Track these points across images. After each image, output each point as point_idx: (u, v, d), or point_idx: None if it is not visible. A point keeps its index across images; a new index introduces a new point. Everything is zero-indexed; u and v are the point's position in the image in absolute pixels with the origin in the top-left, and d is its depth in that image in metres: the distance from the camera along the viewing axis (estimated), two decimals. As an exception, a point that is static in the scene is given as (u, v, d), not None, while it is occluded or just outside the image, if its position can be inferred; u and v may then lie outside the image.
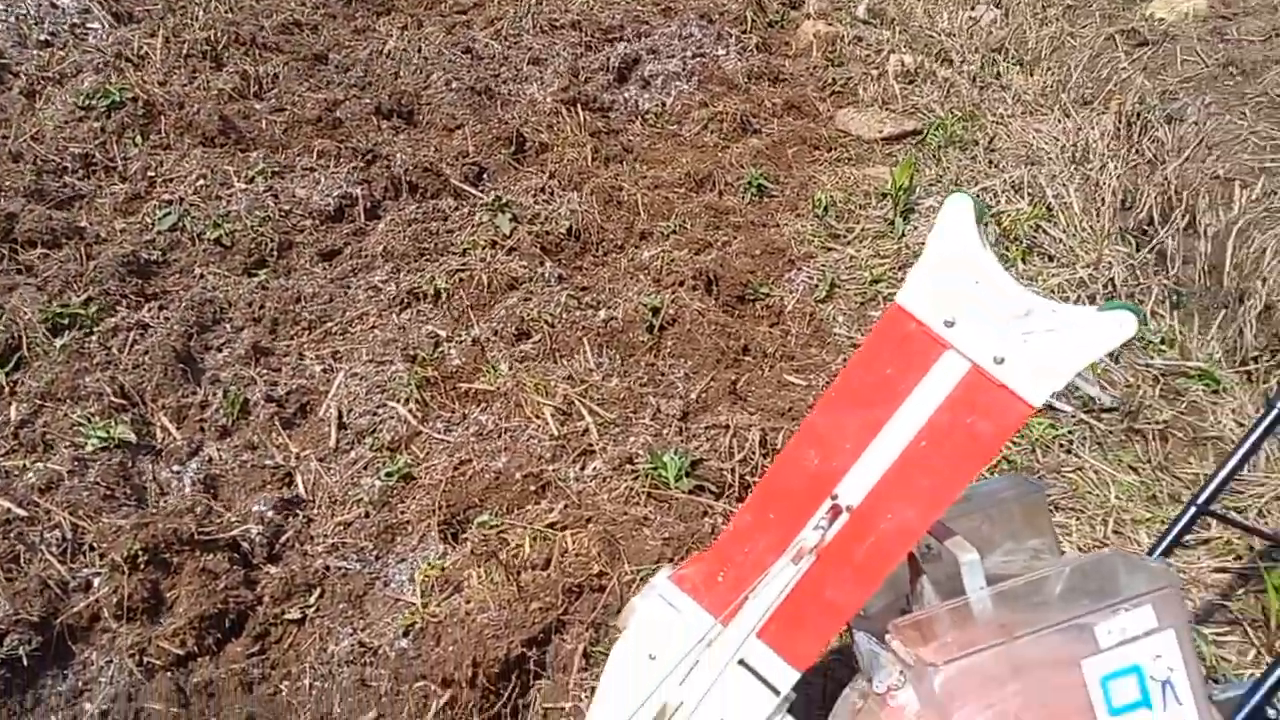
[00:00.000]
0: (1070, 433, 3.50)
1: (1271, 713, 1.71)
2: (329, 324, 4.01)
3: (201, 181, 4.74)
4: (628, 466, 3.30)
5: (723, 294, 4.40)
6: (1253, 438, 2.10)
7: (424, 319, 3.97)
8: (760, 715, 1.86)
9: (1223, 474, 2.09)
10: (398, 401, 3.50)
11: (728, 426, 3.57)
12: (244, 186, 4.80)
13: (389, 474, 3.21)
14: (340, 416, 3.48)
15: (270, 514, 3.01)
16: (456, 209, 4.77)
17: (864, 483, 1.79)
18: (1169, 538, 2.13)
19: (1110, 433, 3.53)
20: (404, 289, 4.13)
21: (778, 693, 1.86)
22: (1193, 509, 2.12)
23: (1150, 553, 2.13)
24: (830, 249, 4.87)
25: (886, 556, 1.80)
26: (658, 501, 3.20)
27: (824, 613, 1.84)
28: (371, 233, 4.64)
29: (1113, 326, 1.62)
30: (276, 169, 4.94)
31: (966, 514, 1.99)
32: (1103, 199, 5.11)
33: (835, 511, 1.81)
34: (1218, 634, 2.75)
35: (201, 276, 4.20)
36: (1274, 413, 2.09)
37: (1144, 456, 3.44)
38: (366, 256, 4.47)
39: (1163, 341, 4.22)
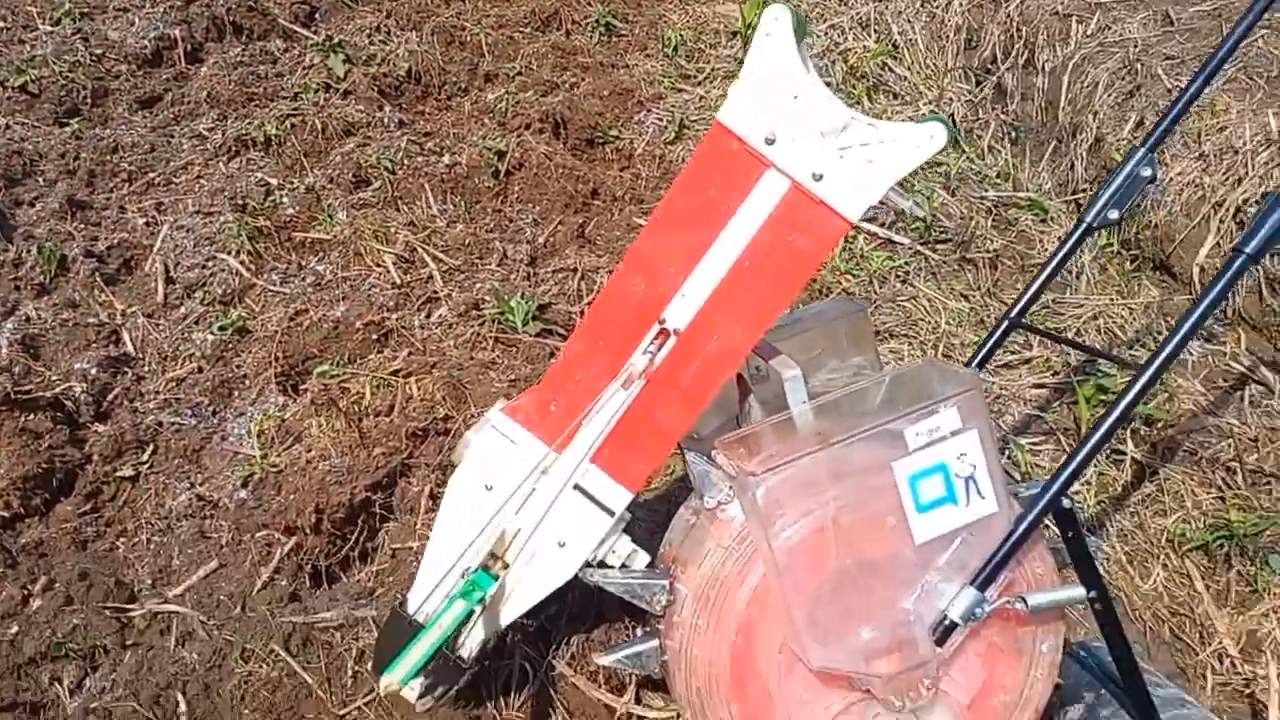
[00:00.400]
0: (907, 264, 3.60)
1: (1066, 503, 1.83)
2: (151, 175, 3.78)
3: (1, 24, 4.33)
4: (474, 312, 3.26)
5: (571, 137, 4.31)
6: (1061, 253, 2.19)
7: (254, 167, 3.77)
8: (596, 535, 1.91)
9: (1033, 288, 2.19)
10: (228, 253, 3.35)
11: (576, 269, 3.55)
12: (49, 29, 4.42)
13: (222, 328, 3.09)
14: (167, 271, 3.31)
15: (95, 372, 2.88)
16: (286, 51, 4.50)
17: (690, 306, 1.80)
18: (984, 350, 2.23)
19: (944, 263, 3.65)
20: (231, 137, 3.91)
21: (612, 513, 1.90)
22: (1005, 322, 2.22)
23: (968, 364, 2.22)
24: (680, 90, 4.81)
25: (713, 377, 1.83)
26: (505, 345, 3.18)
27: (654, 435, 1.87)
28: (194, 77, 4.35)
29: (923, 138, 1.64)
30: (85, 9, 4.56)
31: (793, 335, 2.03)
32: (947, 36, 5.14)
33: (663, 335, 1.82)
34: (1034, 444, 2.93)
35: (7, 127, 3.88)
36: (1081, 228, 2.18)
37: (974, 284, 3.58)
38: (189, 103, 4.20)
39: (998, 175, 4.35)
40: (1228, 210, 3.81)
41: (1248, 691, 2.29)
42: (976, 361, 2.22)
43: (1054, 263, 2.18)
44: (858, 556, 1.76)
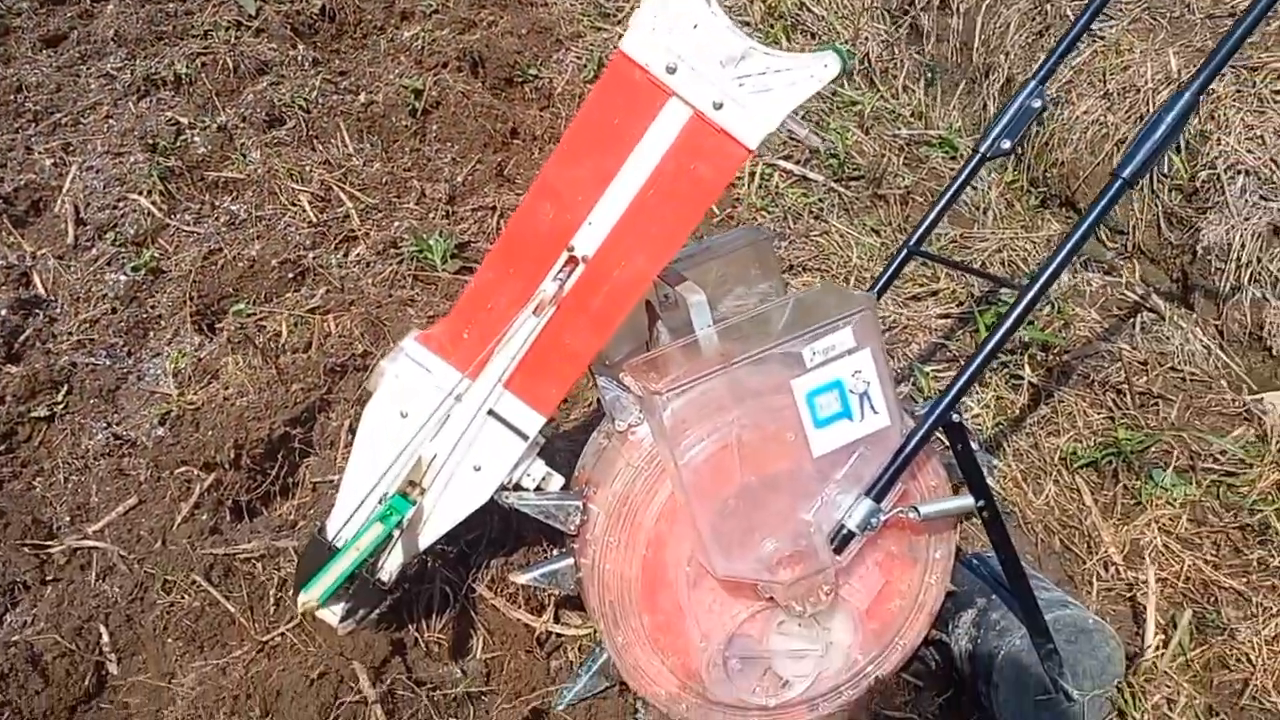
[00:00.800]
0: (821, 200, 3.68)
1: (956, 417, 1.93)
2: (58, 115, 3.68)
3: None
4: (392, 250, 3.27)
5: (489, 76, 4.29)
6: (958, 182, 2.27)
7: (164, 107, 3.70)
8: (510, 459, 1.97)
9: (930, 217, 2.27)
10: (140, 194, 3.30)
11: (495, 208, 3.57)
12: (-58, -36, 4.25)
13: (135, 268, 3.06)
14: (77, 212, 3.26)
15: (6, 314, 2.84)
16: (194, -13, 4.39)
17: (598, 233, 1.85)
18: (884, 278, 2.32)
19: (857, 199, 3.74)
20: (140, 76, 3.82)
21: (525, 437, 1.96)
22: (905, 251, 2.31)
23: (869, 290, 2.31)
24: (600, 28, 4.80)
25: (621, 303, 1.89)
26: (424, 284, 3.20)
27: (565, 359, 1.93)
28: (100, 15, 4.23)
29: (818, 68, 1.70)
30: (-22, -57, 4.39)
31: (700, 264, 2.10)
32: (863, -25, 5.19)
33: (572, 263, 1.87)
34: (937, 370, 3.05)
35: (-101, 66, 3.76)
36: (976, 158, 2.27)
37: (886, 220, 3.68)
38: (96, 41, 4.08)
39: (912, 114, 4.44)
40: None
41: (1129, 595, 2.44)
42: (876, 289, 2.31)
43: (950, 192, 2.27)
44: (760, 472, 1.84)
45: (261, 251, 3.10)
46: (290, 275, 3.09)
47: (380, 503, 1.98)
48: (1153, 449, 2.74)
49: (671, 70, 1.74)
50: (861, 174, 3.84)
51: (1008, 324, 1.89)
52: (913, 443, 1.87)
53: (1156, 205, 3.87)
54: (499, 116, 4.00)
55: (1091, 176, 4.07)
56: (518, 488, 2.00)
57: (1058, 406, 2.91)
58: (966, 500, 1.96)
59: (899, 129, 4.23)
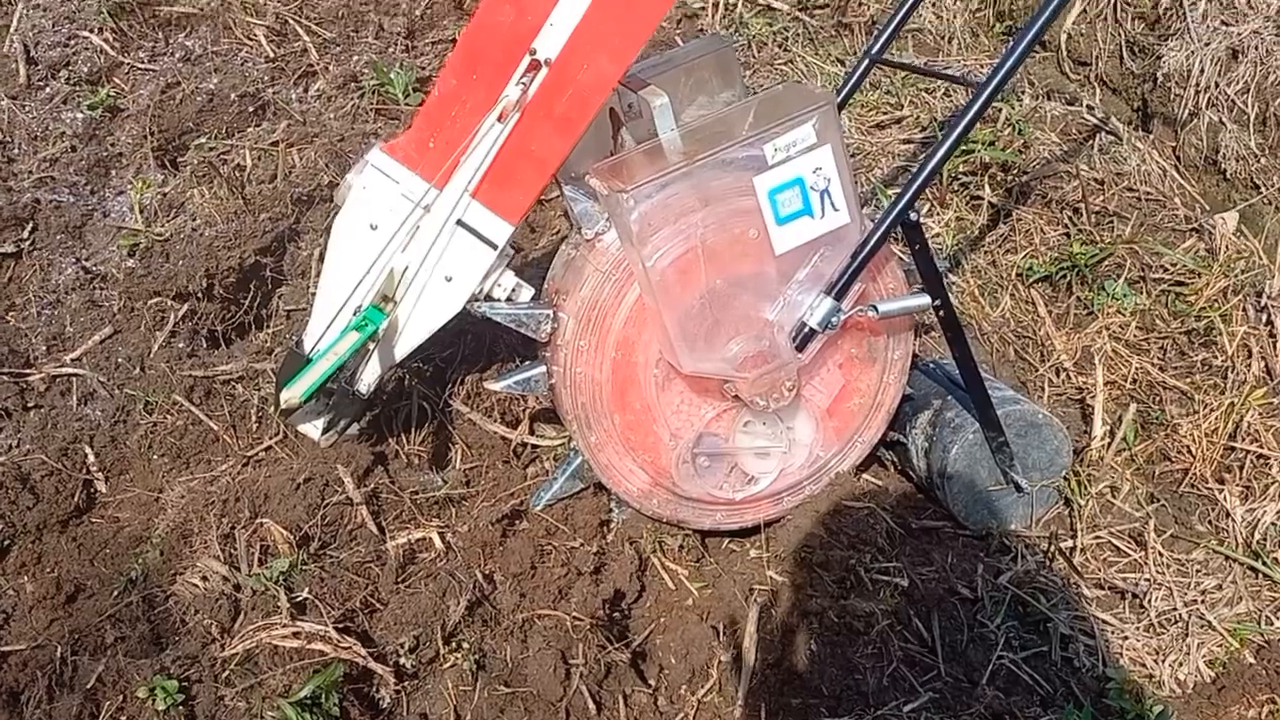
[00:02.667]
0: (785, 29, 3.65)
1: (914, 216, 1.98)
2: (-4, -48, 3.55)
3: None
4: (352, 84, 3.23)
5: (444, -93, 4.16)
6: (904, 8, 2.27)
7: (109, -59, 3.57)
8: (481, 268, 2.01)
9: (893, 24, 2.28)
10: (91, 31, 3.22)
11: (455, 41, 3.51)
12: None
13: (91, 106, 3.01)
14: (28, 51, 3.18)
15: (-39, 154, 2.81)
16: None
17: (560, 34, 1.85)
18: (846, 87, 2.33)
19: (821, 28, 3.71)
20: (80, -92, 3.68)
21: (495, 246, 1.99)
22: (866, 60, 2.32)
23: (846, 83, 2.33)
24: None
25: (585, 105, 1.90)
26: (386, 117, 3.18)
27: (532, 166, 1.95)
28: None
29: None
30: None
31: (662, 73, 2.10)
32: None
33: (535, 66, 1.88)
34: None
35: None
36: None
37: (850, 49, 3.65)
38: (29, -126, 3.90)
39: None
40: (1095, -25, 3.91)
41: (1079, 398, 2.55)
42: (840, 98, 2.33)
43: (909, 3, 2.27)
44: (725, 274, 1.90)
45: (220, 86, 3.06)
46: (250, 109, 3.06)
47: (355, 314, 2.02)
48: (1106, 262, 2.82)
49: None
50: (826, 3, 3.80)
51: (964, 121, 1.93)
52: (872, 241, 1.92)
53: (1119, 34, 3.87)
54: (457, -52, 3.89)
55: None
56: (489, 298, 2.05)
57: (1015, 225, 2.98)
58: (923, 299, 2.03)
59: (864, -43, 4.15)
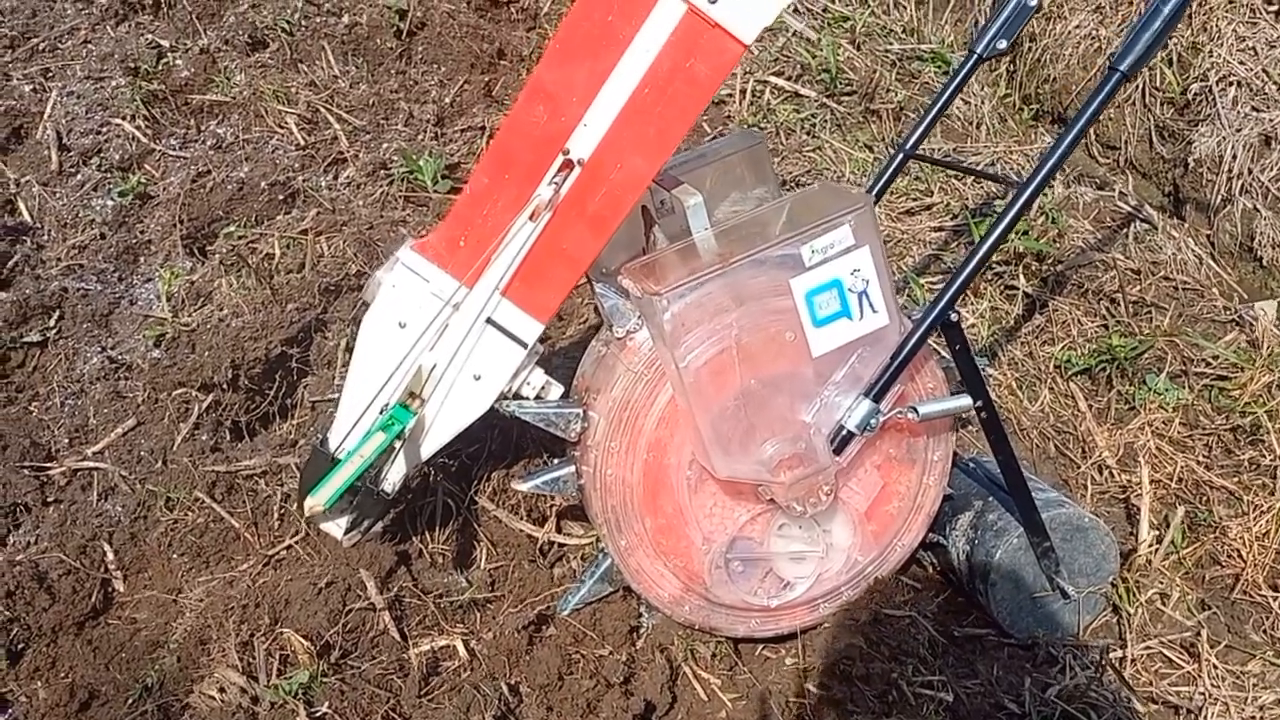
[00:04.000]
0: (813, 116, 3.65)
1: (954, 317, 1.94)
2: (35, 40, 3.60)
3: None
4: (382, 172, 3.24)
5: (473, -4, 4.22)
6: (954, 84, 2.25)
7: (144, 30, 3.62)
8: (510, 367, 1.97)
9: (927, 119, 2.26)
10: (123, 119, 3.25)
11: (484, 128, 3.53)
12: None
13: (122, 193, 3.02)
14: (60, 138, 3.21)
15: (-8, 241, 2.81)
16: (168, -92, 4.28)
17: (593, 135, 1.83)
18: (880, 181, 2.30)
19: (849, 115, 3.70)
20: (117, -1, 3.74)
21: (524, 345, 1.96)
22: (900, 154, 2.29)
23: (883, 174, 2.29)
24: (584, -52, 4.70)
25: (618, 205, 1.87)
26: (415, 205, 3.17)
27: (563, 264, 1.92)
28: (72, -62, 4.13)
29: (815, -42, 1.67)
30: None
31: (693, 170, 2.08)
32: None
33: (568, 166, 1.86)
34: (932, 283, 3.05)
35: None
36: (972, 59, 2.25)
37: (879, 135, 3.65)
38: (69, -35, 3.99)
39: (904, 30, 4.38)
40: (1121, 60, 3.90)
41: (1123, 497, 2.48)
42: (873, 192, 2.30)
43: (946, 93, 2.25)
44: (760, 374, 1.85)
45: (250, 174, 3.06)
46: (280, 197, 3.06)
47: (381, 413, 1.98)
48: (1146, 355, 2.76)
49: (665, -35, 1.71)
50: (854, 89, 3.80)
51: (1005, 221, 1.89)
52: (911, 342, 1.87)
53: (1148, 119, 3.86)
54: (485, 37, 3.94)
55: (1083, 92, 4.04)
56: (518, 396, 2.01)
57: (1052, 315, 2.92)
58: (964, 400, 1.98)
59: (890, 44, 4.17)
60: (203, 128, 3.33)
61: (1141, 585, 2.23)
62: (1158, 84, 3.82)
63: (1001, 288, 3.02)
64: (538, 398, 2.02)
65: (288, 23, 3.73)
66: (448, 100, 3.63)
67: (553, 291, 1.94)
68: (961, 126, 3.84)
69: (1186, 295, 3.07)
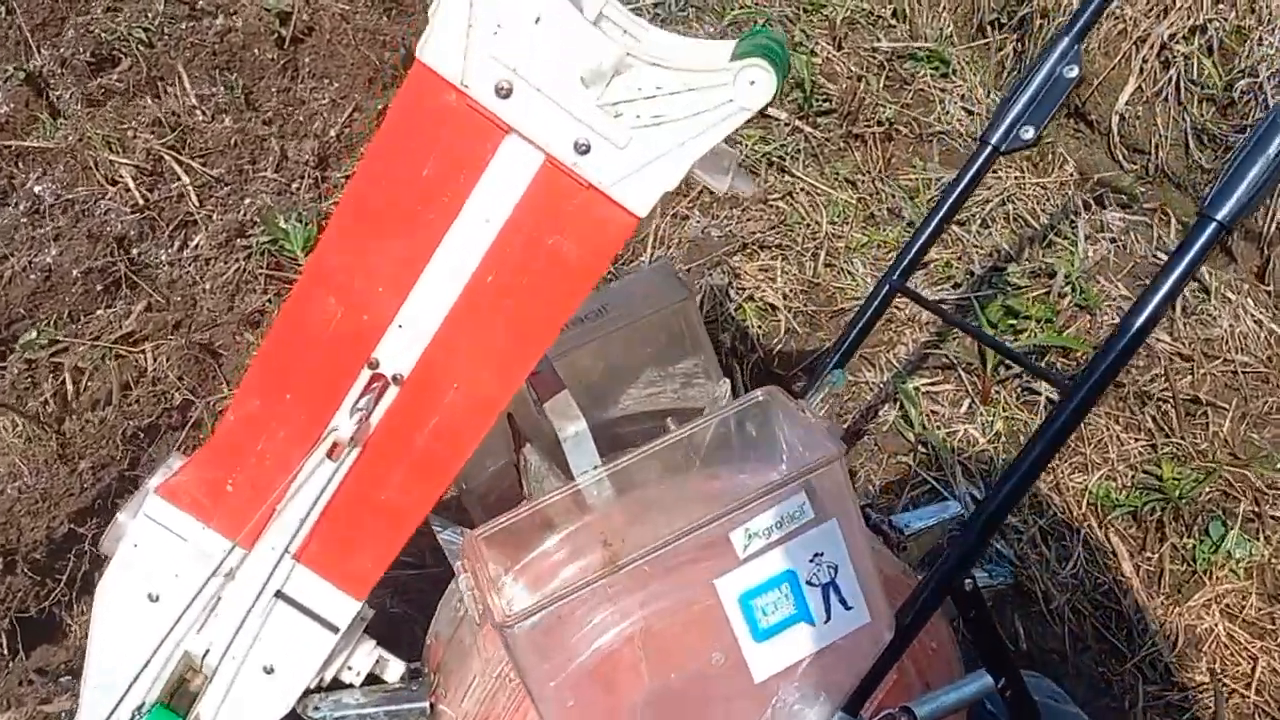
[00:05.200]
0: (783, 146, 2.97)
1: (968, 584, 1.33)
2: None
3: None
4: (239, 240, 2.58)
5: (377, -13, 3.51)
6: (957, 191, 1.60)
7: (-47, 50, 2.93)
8: (317, 657, 1.35)
9: (917, 245, 1.61)
10: (-88, 177, 2.58)
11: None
12: None
13: (-102, 285, 2.37)
14: None
15: None
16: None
17: (413, 341, 1.19)
18: (860, 322, 1.66)
19: (827, 141, 3.03)
20: (-72, 6, 3.04)
21: (335, 629, 1.33)
22: (886, 286, 1.65)
23: (840, 347, 1.65)
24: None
25: (459, 439, 1.24)
26: (280, 283, 2.51)
27: (382, 520, 1.29)
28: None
29: (742, 89, 1.01)
30: None
31: (594, 338, 1.44)
32: None
33: (380, 384, 1.21)
34: (930, 384, 2.41)
35: None
36: (986, 152, 1.59)
37: (863, 166, 2.98)
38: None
39: (894, 15, 3.67)
40: (1151, 47, 3.25)
41: (1188, 713, 1.87)
42: (851, 338, 1.65)
43: (946, 205, 1.60)
44: (671, 690, 1.23)
45: (59, 257, 2.40)
46: (100, 287, 2.40)
47: (136, 715, 1.36)
48: (1207, 490, 2.14)
49: (504, 93, 1.05)
50: (832, 106, 3.11)
51: (1047, 438, 1.26)
52: (900, 638, 1.25)
53: (1184, 119, 3.20)
54: (386, 42, 3.23)
55: (1106, 84, 3.37)
56: (336, 686, 1.39)
57: (1084, 431, 2.29)
58: (982, 681, 1.36)
59: (878, 38, 3.47)
60: (17, 184, 2.65)
61: None
62: (1195, 76, 3.16)
63: (1018, 391, 2.38)
64: (368, 683, 1.40)
65: (145, 30, 3.03)
66: (334, 132, 2.95)
67: (370, 557, 1.31)
68: (965, 147, 3.17)
69: (1249, 384, 2.45)
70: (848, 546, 1.17)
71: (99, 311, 2.37)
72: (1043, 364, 2.37)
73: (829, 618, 1.19)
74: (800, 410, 1.20)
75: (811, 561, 1.16)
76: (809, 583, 1.17)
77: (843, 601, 1.19)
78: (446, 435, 1.23)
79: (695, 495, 1.24)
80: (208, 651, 1.34)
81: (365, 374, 1.21)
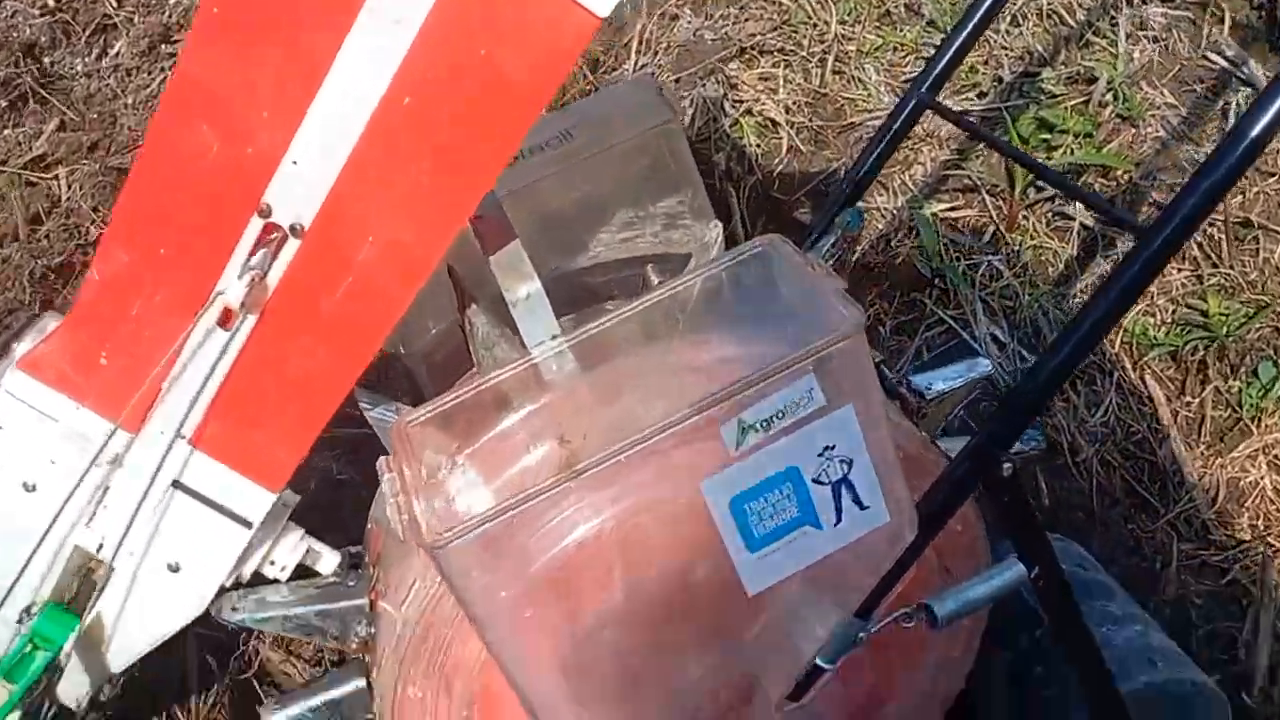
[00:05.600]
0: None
1: (1007, 468, 1.12)
2: None
3: None
4: (164, 47, 2.25)
5: None
6: (979, 12, 1.30)
7: None
8: (229, 554, 1.15)
9: (947, 56, 1.31)
10: None
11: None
12: None
13: None
14: None
15: None
16: None
17: (313, 182, 0.93)
18: (883, 142, 1.39)
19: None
20: None
21: (248, 523, 1.12)
22: (913, 100, 1.36)
23: (858, 168, 1.38)
24: None
25: (379, 303, 0.99)
26: (213, 95, 2.21)
27: (293, 399, 1.06)
28: None
29: None
30: None
31: (558, 168, 1.17)
32: None
33: (276, 236, 0.96)
34: (951, 208, 2.13)
35: None
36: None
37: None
38: None
39: None
40: None
41: (1226, 572, 1.70)
42: (869, 164, 1.37)
43: (983, 8, 1.30)
44: (649, 598, 1.03)
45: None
46: (5, 101, 2.10)
47: (25, 618, 1.18)
48: (1256, 328, 1.91)
49: None
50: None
51: (1111, 298, 1.02)
52: (928, 533, 1.04)
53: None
54: None
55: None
56: (256, 581, 1.19)
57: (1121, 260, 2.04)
58: (1013, 571, 1.16)
59: None
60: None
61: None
62: None
63: (1048, 216, 2.11)
64: (296, 577, 1.21)
65: None
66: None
67: (283, 442, 1.08)
68: None
69: (1307, 207, 2.18)
70: (865, 437, 0.94)
71: (5, 132, 2.08)
72: (1079, 185, 2.09)
73: (839, 520, 0.97)
74: (810, 266, 0.95)
75: (820, 456, 0.93)
76: (816, 480, 0.94)
77: (857, 501, 0.97)
78: (363, 298, 0.98)
79: (678, 368, 1.00)
80: (101, 546, 1.14)
81: (256, 224, 0.95)
